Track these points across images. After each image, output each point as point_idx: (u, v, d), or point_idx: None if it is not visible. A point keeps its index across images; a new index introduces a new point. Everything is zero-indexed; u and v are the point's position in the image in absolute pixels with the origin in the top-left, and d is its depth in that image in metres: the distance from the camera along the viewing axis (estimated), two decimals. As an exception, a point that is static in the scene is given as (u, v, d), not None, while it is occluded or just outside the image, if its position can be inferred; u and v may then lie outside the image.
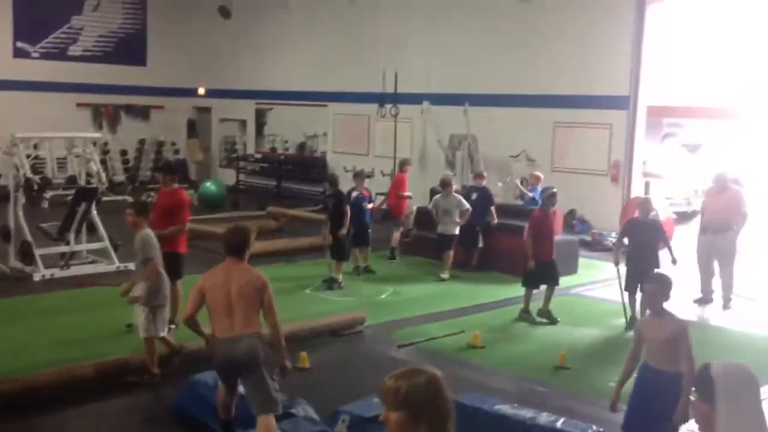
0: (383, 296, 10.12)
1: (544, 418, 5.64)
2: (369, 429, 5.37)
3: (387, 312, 9.33)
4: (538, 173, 13.45)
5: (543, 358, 7.77)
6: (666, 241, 9.01)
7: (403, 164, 13.46)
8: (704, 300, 10.17)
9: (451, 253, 11.26)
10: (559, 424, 5.54)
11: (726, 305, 10.02)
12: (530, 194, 13.19)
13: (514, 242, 11.61)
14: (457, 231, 11.27)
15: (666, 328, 4.96)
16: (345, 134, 19.28)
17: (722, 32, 14.56)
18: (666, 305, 5.08)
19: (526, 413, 5.74)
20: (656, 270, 8.58)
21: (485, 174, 12.50)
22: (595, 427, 5.51)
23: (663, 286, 5.10)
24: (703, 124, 18.95)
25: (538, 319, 9.05)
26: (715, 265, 10.10)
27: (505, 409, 5.81)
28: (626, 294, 8.81)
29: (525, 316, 9.14)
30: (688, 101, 15.73)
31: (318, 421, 5.41)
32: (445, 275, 11.07)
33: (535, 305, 9.19)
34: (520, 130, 15.58)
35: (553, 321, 9.01)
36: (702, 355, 7.99)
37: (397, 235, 12.48)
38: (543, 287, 9.19)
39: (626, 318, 8.81)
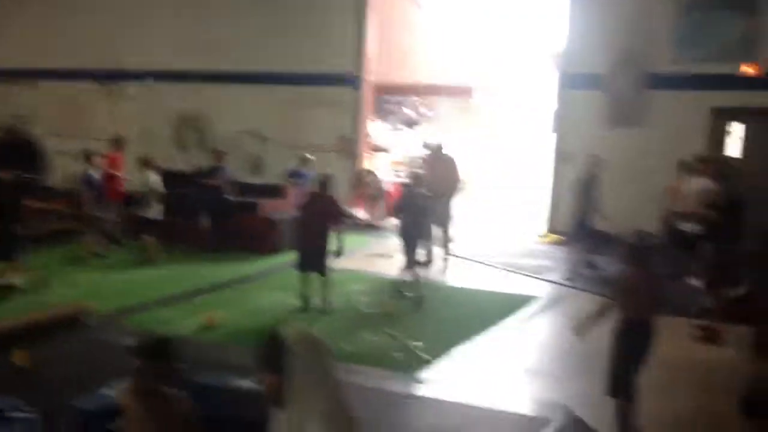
0: (113, 283, 9.57)
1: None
2: (94, 422, 5.06)
3: (116, 299, 8.83)
4: (307, 155, 12.82)
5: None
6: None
7: (116, 143, 12.29)
8: (428, 261, 10.98)
9: (149, 237, 10.77)
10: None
11: (444, 264, 10.92)
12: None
13: (252, 220, 11.72)
14: (152, 215, 10.77)
15: None
16: (60, 115, 17.78)
17: (446, 10, 15.62)
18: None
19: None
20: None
21: (224, 151, 12.27)
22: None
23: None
24: (420, 101, 20.34)
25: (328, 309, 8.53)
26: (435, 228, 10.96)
27: (243, 382, 5.80)
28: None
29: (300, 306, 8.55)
30: (407, 79, 16.75)
31: (39, 421, 4.97)
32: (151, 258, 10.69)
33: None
34: (252, 108, 15.52)
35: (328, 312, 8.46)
36: (429, 310, 8.66)
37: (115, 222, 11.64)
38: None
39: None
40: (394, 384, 6.62)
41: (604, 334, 5.44)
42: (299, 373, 2.41)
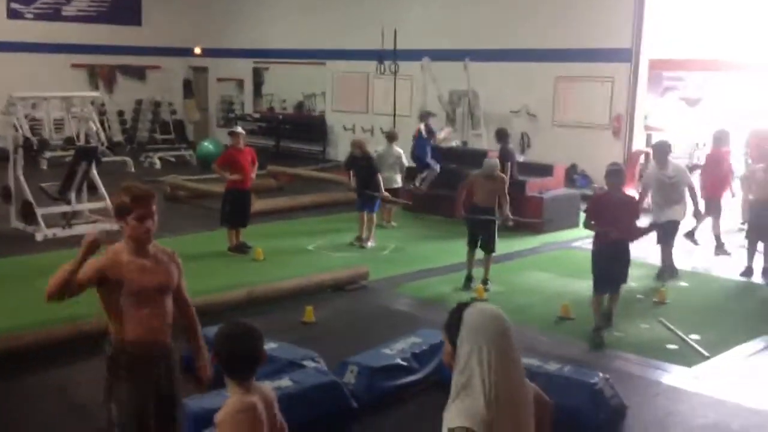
0: (386, 252, 10.12)
1: (551, 366, 5.68)
2: (376, 378, 5.42)
3: (390, 267, 9.34)
4: None
5: (546, 310, 7.80)
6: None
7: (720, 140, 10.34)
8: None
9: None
10: (566, 371, 5.58)
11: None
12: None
13: (519, 198, 11.64)
14: (397, 184, 11.46)
15: None
16: (344, 92, 19.10)
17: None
18: None
19: (533, 362, 5.77)
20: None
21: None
22: (601, 374, 5.55)
23: None
24: (703, 77, 18.75)
25: None
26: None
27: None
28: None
29: None
30: (688, 54, 15.53)
31: (327, 371, 5.45)
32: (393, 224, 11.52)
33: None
34: (521, 85, 15.45)
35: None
36: (709, 302, 8.06)
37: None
38: None
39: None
40: (667, 376, 6.27)
41: None
42: (463, 343, 2.41)
